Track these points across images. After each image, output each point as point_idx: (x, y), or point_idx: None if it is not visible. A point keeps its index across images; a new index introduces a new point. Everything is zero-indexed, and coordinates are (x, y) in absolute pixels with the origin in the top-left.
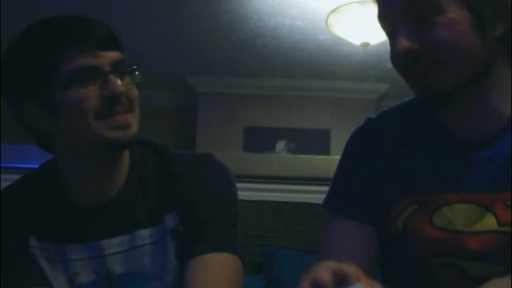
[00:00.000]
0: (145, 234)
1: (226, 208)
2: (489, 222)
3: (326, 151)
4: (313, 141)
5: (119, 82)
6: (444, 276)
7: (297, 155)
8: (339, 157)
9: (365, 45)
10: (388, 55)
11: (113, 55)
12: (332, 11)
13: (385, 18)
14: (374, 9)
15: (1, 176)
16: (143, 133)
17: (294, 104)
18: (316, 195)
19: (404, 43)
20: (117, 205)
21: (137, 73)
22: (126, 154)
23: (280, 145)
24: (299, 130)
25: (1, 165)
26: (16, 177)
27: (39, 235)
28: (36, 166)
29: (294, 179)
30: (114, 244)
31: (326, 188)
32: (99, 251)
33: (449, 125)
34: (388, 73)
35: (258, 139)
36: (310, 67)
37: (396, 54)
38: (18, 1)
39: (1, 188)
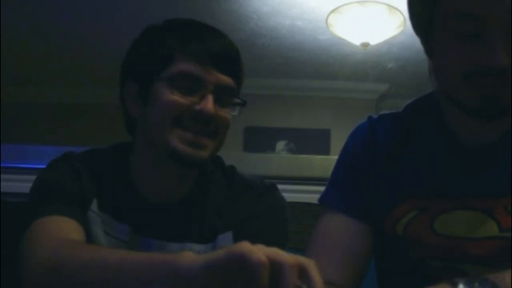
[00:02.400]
0: (195, 249)
1: (277, 239)
2: (491, 228)
3: (326, 151)
4: (313, 141)
5: (215, 105)
6: (444, 279)
7: (297, 155)
8: None
9: (365, 45)
10: (388, 55)
11: (223, 78)
12: (332, 11)
13: (477, 21)
14: (374, 9)
15: (1, 176)
16: None
17: (294, 104)
18: (316, 195)
19: (504, 57)
20: (176, 212)
21: (237, 108)
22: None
23: (280, 145)
24: (299, 130)
25: (1, 165)
26: (16, 177)
27: (101, 203)
28: (36, 166)
29: (294, 179)
30: (161, 248)
31: None
32: (145, 248)
33: (459, 129)
34: (388, 73)
35: (258, 139)
36: (310, 67)
37: (489, 65)
38: (18, 2)
39: (1, 188)
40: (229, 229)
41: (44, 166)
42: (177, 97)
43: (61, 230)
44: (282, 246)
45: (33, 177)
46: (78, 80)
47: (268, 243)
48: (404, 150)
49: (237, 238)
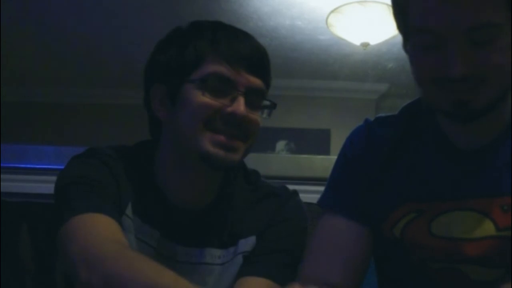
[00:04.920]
0: (215, 254)
1: (295, 248)
2: (488, 228)
3: (326, 151)
4: (313, 141)
5: (246, 107)
6: (443, 279)
7: (297, 155)
8: None
9: (365, 45)
10: (388, 55)
11: (254, 80)
12: (332, 11)
13: (436, 34)
14: (374, 9)
15: (1, 176)
16: (143, 132)
17: (294, 104)
18: (316, 195)
19: (461, 66)
20: (199, 218)
21: (267, 110)
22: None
23: (280, 145)
24: (299, 130)
25: (1, 165)
26: (16, 177)
27: (134, 207)
28: (36, 166)
29: (294, 179)
30: (183, 253)
31: None
32: (171, 253)
33: (449, 131)
34: (388, 73)
35: (258, 139)
36: (310, 67)
37: (448, 75)
38: (18, 2)
39: (1, 188)
40: (252, 234)
41: (44, 166)
42: (208, 99)
43: (110, 230)
44: (300, 252)
45: (33, 177)
46: (78, 80)
47: (288, 249)
48: (400, 153)
49: (259, 243)
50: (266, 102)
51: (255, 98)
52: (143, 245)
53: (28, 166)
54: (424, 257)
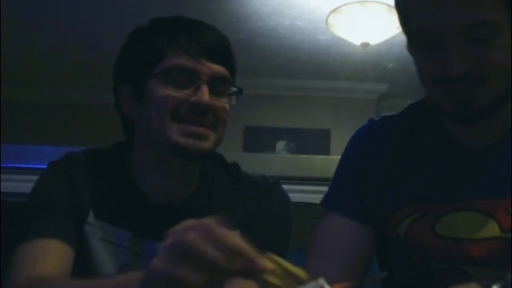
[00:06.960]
0: None
1: (282, 239)
2: (492, 229)
3: (326, 151)
4: (313, 141)
5: (211, 95)
6: (446, 280)
7: (297, 155)
8: (339, 157)
9: (365, 45)
10: (388, 55)
11: (216, 68)
12: (332, 11)
13: (435, 34)
14: (374, 9)
15: (1, 176)
16: None
17: (294, 104)
18: (316, 195)
19: (460, 65)
20: (180, 213)
21: (234, 97)
22: (199, 165)
23: (280, 145)
24: (299, 130)
25: (1, 165)
26: (16, 177)
27: (98, 212)
28: (36, 166)
29: (294, 179)
30: None
31: (326, 188)
32: (149, 251)
33: (453, 131)
34: (388, 73)
35: (258, 139)
36: (310, 67)
37: (447, 74)
38: (18, 1)
39: (1, 188)
40: (235, 229)
41: (44, 166)
42: (171, 91)
43: (40, 262)
44: (288, 243)
45: (33, 177)
46: (78, 80)
47: (275, 241)
48: (404, 153)
49: (244, 239)
50: (233, 89)
51: (220, 85)
52: (115, 248)
53: (28, 166)
54: (427, 258)
